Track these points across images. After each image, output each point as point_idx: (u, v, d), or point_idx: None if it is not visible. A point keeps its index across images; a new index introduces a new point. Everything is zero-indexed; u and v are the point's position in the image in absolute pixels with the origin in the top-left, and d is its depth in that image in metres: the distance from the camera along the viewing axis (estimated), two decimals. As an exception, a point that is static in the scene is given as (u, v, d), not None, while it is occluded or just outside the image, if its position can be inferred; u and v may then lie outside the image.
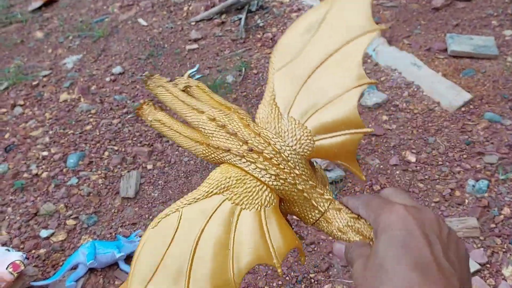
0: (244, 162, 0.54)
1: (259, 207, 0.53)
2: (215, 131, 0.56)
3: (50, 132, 2.38)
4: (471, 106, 2.15)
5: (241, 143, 0.54)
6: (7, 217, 1.96)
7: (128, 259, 1.75)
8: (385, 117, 2.19)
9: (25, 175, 2.14)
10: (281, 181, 0.53)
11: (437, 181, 1.87)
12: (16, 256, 1.59)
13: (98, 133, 2.34)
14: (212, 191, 0.53)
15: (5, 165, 2.19)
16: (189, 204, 0.52)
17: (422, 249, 0.41)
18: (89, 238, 1.84)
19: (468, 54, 2.44)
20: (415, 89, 2.31)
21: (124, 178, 2.05)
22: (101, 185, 2.06)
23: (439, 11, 2.83)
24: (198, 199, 0.53)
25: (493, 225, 1.69)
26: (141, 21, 3.26)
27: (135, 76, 2.72)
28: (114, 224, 1.90)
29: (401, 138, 2.08)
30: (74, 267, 1.70)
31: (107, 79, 2.73)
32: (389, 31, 2.74)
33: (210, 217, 0.51)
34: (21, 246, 1.84)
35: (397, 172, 1.93)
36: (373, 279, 0.41)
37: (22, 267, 1.58)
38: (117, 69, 2.78)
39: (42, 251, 1.82)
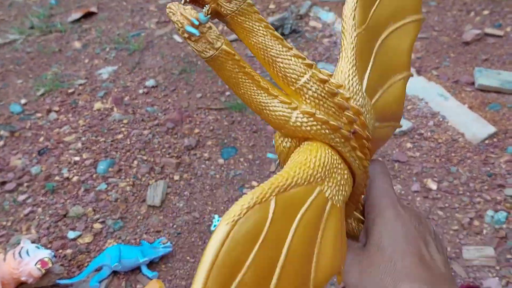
0: (346, 147, 0.41)
1: (339, 204, 0.41)
2: (323, 97, 0.40)
3: (83, 138, 2.47)
4: (495, 139, 2.18)
5: (346, 122, 0.41)
6: (37, 217, 2.04)
7: (151, 264, 1.81)
8: (409, 145, 2.22)
9: (57, 178, 2.23)
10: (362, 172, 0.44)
11: (457, 210, 1.90)
12: (45, 253, 1.66)
13: (128, 142, 2.42)
14: (315, 177, 0.39)
15: (38, 167, 2.28)
16: (284, 190, 0.36)
17: (421, 247, 0.41)
18: (114, 242, 1.91)
19: (495, 88, 2.47)
20: (441, 119, 2.34)
21: (151, 187, 2.12)
22: (129, 192, 2.13)
23: (469, 45, 2.86)
24: (298, 184, 0.37)
25: (509, 256, 1.71)
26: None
27: (167, 90, 2.80)
28: (139, 231, 1.96)
29: (423, 166, 2.11)
30: (99, 269, 1.77)
31: (140, 91, 2.82)
32: (418, 61, 2.79)
33: (305, 211, 0.37)
34: (49, 246, 1.91)
35: (418, 198, 1.96)
36: (378, 273, 0.39)
37: (50, 265, 1.65)
38: (150, 82, 2.87)
39: (68, 251, 1.89)
